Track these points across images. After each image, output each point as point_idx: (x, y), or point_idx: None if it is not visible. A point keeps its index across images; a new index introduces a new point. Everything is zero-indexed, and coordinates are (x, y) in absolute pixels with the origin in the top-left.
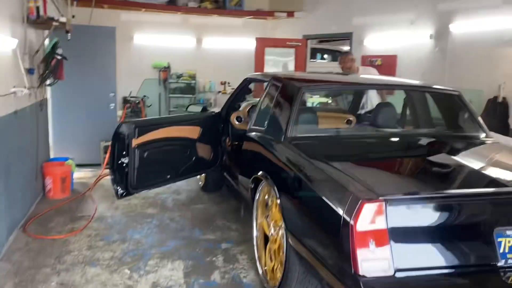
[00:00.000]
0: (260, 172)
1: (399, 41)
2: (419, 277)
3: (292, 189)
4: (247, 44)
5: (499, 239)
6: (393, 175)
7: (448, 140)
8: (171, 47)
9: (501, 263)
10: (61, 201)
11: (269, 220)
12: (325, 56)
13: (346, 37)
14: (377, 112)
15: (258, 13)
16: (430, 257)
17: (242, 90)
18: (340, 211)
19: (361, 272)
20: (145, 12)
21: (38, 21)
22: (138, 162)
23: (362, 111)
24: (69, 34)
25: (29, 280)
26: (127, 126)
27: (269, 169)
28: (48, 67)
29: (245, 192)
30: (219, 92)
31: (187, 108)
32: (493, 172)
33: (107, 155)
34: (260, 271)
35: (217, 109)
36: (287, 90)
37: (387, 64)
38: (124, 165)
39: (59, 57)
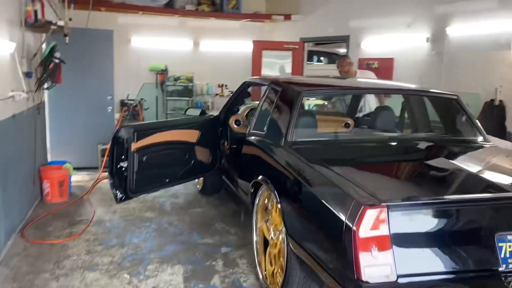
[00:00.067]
0: (260, 177)
1: (396, 44)
2: (422, 282)
3: (293, 193)
4: (244, 47)
5: (500, 244)
6: (394, 180)
7: (447, 144)
8: (168, 50)
9: (502, 268)
10: (59, 205)
11: (269, 224)
12: (322, 58)
13: (343, 40)
14: (376, 116)
15: (256, 16)
16: (432, 263)
17: (241, 94)
18: (342, 217)
19: (363, 278)
20: (143, 15)
21: (36, 24)
22: (137, 166)
23: (360, 114)
24: (67, 38)
25: (27, 286)
26: (126, 130)
27: (269, 174)
28: (46, 70)
29: (245, 196)
30: (217, 95)
31: (185, 111)
32: (494, 176)
33: (105, 158)
34: (260, 276)
35: (215, 112)
36: (287, 94)
37: (384, 67)
38: (123, 169)
39: (57, 61)
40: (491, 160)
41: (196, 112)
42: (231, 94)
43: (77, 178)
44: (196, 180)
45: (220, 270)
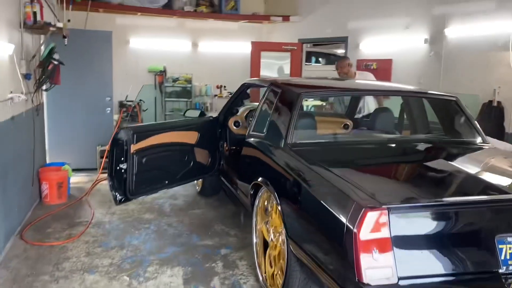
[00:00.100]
0: (260, 178)
1: (394, 46)
2: (422, 285)
3: (293, 195)
4: (243, 48)
5: (501, 246)
6: (394, 182)
7: (447, 146)
8: (167, 51)
9: (502, 270)
10: (58, 206)
11: (269, 226)
12: (320, 59)
13: (342, 41)
14: (375, 117)
15: (254, 17)
16: (433, 265)
17: (240, 95)
18: (343, 219)
19: (365, 280)
20: (141, 16)
21: (35, 26)
22: (136, 168)
23: (359, 115)
24: (66, 39)
25: None
26: (125, 132)
27: (269, 175)
28: (44, 72)
29: (244, 198)
30: (215, 96)
31: (185, 113)
32: (494, 178)
33: (104, 159)
34: (260, 278)
35: (214, 113)
36: (287, 96)
37: (382, 68)
38: (123, 171)
39: (56, 62)
40: (490, 162)
41: (195, 113)
42: (230, 96)
43: (76, 179)
44: (195, 181)
45: (220, 272)
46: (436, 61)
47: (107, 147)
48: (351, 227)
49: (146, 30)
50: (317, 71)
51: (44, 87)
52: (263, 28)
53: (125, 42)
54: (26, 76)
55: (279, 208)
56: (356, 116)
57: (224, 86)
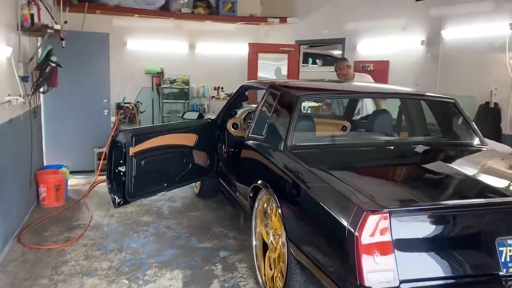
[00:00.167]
0: (260, 181)
1: (391, 47)
2: (424, 287)
3: (293, 198)
4: (240, 49)
5: (501, 248)
6: (395, 185)
7: (446, 148)
8: (164, 52)
9: (502, 272)
10: (56, 209)
11: (269, 228)
12: (317, 60)
13: (339, 42)
14: (374, 119)
15: (251, 19)
16: (434, 268)
17: (238, 98)
18: (344, 222)
19: (366, 283)
20: (138, 18)
21: (32, 28)
22: (135, 171)
23: (357, 117)
24: (64, 42)
25: None
26: (124, 134)
27: (269, 178)
28: (42, 74)
29: (244, 200)
30: (213, 97)
31: (183, 114)
32: (494, 181)
33: (101, 161)
34: (260, 280)
35: (211, 115)
36: (286, 98)
37: (379, 69)
38: (121, 173)
39: (53, 65)
40: (489, 164)
41: (194, 115)
42: (228, 98)
43: (74, 182)
44: (193, 183)
45: (220, 274)
46: (433, 62)
47: (104, 149)
48: (353, 231)
49: (143, 31)
50: (314, 72)
51: (41, 89)
52: (260, 30)
53: (122, 44)
54: (24, 79)
55: (279, 210)
56: (354, 118)
57: (222, 88)
